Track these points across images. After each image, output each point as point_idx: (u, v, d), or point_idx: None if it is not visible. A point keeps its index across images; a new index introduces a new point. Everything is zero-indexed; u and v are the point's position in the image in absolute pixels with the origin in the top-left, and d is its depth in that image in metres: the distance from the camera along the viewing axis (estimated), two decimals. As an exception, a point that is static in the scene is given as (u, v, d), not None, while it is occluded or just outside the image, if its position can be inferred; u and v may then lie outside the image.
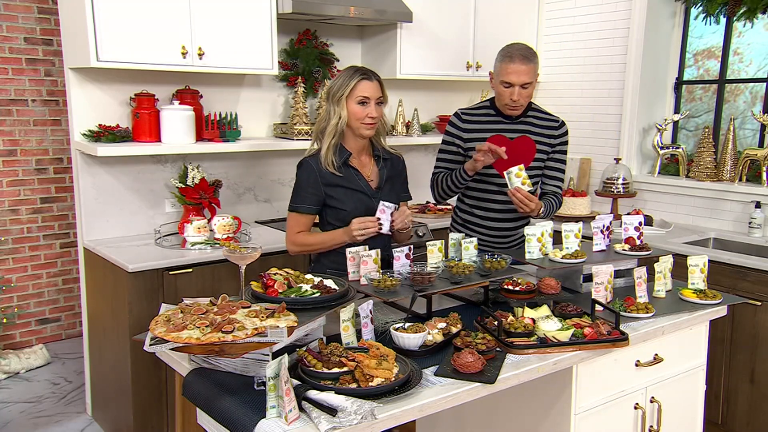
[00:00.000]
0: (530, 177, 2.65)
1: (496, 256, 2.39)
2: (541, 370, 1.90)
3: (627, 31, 4.19)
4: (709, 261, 2.81)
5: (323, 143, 2.45)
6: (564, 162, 2.90)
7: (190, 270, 3.10)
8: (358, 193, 2.47)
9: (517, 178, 2.57)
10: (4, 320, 4.30)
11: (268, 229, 3.77)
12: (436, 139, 4.43)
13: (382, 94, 2.45)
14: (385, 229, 2.34)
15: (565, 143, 2.88)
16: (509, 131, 2.81)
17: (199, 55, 3.27)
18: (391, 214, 2.36)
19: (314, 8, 3.55)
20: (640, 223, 2.71)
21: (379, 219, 2.34)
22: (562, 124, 2.87)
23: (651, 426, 2.32)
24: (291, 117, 3.87)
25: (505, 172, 2.60)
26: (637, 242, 2.65)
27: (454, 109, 4.73)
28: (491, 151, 2.58)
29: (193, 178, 3.47)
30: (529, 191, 2.58)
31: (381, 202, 2.36)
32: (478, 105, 2.92)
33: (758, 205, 3.63)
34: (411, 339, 1.88)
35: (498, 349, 1.93)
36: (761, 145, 3.87)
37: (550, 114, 2.89)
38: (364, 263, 2.23)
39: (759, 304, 3.14)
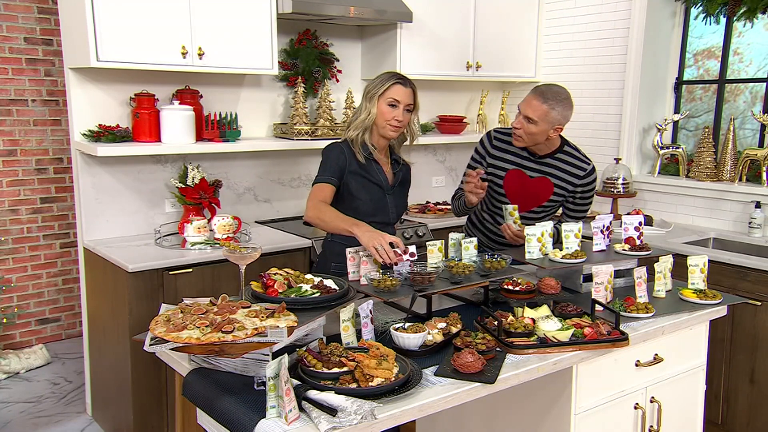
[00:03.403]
0: (539, 213, 2.80)
1: (496, 256, 2.39)
2: (541, 370, 1.90)
3: (627, 31, 4.19)
4: (709, 261, 2.81)
5: (351, 133, 2.57)
6: (585, 205, 2.86)
7: (190, 270, 3.10)
8: (375, 186, 2.57)
9: (510, 216, 2.68)
10: (4, 320, 4.30)
11: (268, 229, 3.77)
12: (436, 139, 4.45)
13: (413, 102, 2.55)
14: (396, 264, 2.25)
15: (589, 190, 2.82)
16: (531, 169, 2.80)
17: (199, 55, 3.27)
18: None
19: (314, 8, 3.55)
20: (640, 223, 2.71)
21: (400, 257, 2.24)
22: (590, 173, 2.79)
23: (651, 426, 2.32)
24: (291, 117, 3.87)
25: (503, 207, 2.71)
26: (637, 242, 2.65)
27: (454, 109, 4.78)
28: (475, 184, 2.61)
29: (193, 178, 3.47)
30: (518, 230, 2.65)
31: (412, 249, 2.29)
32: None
33: (758, 205, 3.63)
34: (411, 339, 1.88)
35: (498, 349, 1.93)
36: (761, 145, 3.87)
37: (581, 159, 2.80)
38: (364, 263, 2.24)
39: (759, 304, 3.14)
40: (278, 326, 1.65)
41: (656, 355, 2.28)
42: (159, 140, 3.35)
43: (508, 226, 2.67)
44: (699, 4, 4.02)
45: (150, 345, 1.58)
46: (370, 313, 1.95)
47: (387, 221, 2.63)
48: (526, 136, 2.68)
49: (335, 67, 4.16)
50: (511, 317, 2.08)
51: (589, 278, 2.44)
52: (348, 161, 2.53)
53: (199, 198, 3.44)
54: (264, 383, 1.56)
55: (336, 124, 3.93)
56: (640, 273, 2.40)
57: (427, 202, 4.44)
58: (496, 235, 2.91)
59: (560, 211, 2.93)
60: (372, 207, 2.56)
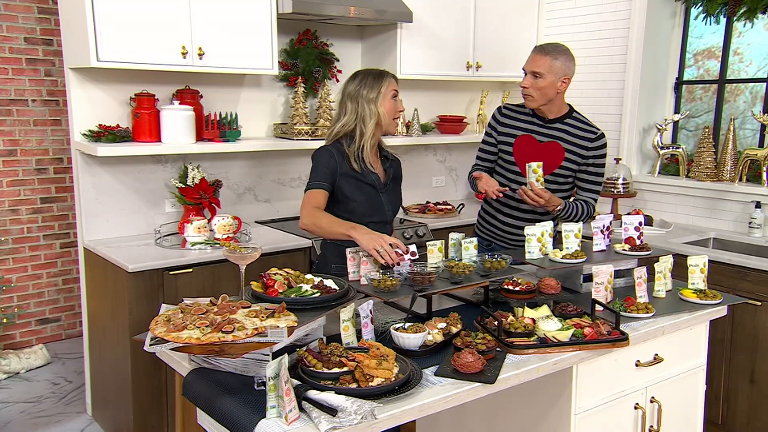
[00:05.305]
0: (559, 184, 2.80)
1: (496, 256, 2.39)
2: (541, 370, 1.90)
3: (627, 31, 4.19)
4: (709, 261, 2.80)
5: (357, 142, 2.52)
6: (599, 175, 2.86)
7: (190, 270, 3.10)
8: (368, 186, 2.55)
9: (534, 174, 2.66)
10: (4, 320, 4.30)
11: (268, 229, 3.76)
12: (436, 139, 4.45)
13: None
14: (398, 265, 2.24)
15: (601, 156, 2.83)
16: (541, 134, 2.82)
17: (199, 55, 3.27)
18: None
19: (314, 8, 3.55)
20: (640, 223, 2.71)
21: (402, 256, 2.25)
22: (600, 136, 2.81)
23: (651, 426, 2.32)
24: (291, 117, 3.87)
25: (526, 165, 2.68)
26: (637, 242, 2.65)
27: (454, 109, 4.78)
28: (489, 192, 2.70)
29: (193, 178, 3.47)
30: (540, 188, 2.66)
31: (413, 248, 2.30)
32: (521, 104, 2.91)
33: (758, 205, 3.63)
34: (411, 339, 1.88)
35: (498, 349, 1.93)
36: (761, 145, 3.87)
37: (590, 125, 2.84)
38: (364, 263, 2.24)
39: (759, 304, 3.14)
40: (278, 326, 1.65)
41: (656, 355, 2.28)
42: (159, 140, 3.35)
43: (531, 184, 2.64)
44: (699, 4, 4.02)
45: (150, 345, 1.58)
46: (370, 313, 1.95)
47: (384, 220, 2.62)
48: (536, 93, 2.71)
49: (335, 67, 4.16)
50: (511, 317, 2.08)
51: (589, 278, 2.44)
52: (339, 164, 2.49)
53: (199, 198, 3.44)
54: (264, 383, 1.56)
55: (336, 124, 3.94)
56: (640, 273, 2.40)
57: (427, 202, 4.44)
58: (508, 225, 2.92)
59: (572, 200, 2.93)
60: (368, 207, 2.55)
